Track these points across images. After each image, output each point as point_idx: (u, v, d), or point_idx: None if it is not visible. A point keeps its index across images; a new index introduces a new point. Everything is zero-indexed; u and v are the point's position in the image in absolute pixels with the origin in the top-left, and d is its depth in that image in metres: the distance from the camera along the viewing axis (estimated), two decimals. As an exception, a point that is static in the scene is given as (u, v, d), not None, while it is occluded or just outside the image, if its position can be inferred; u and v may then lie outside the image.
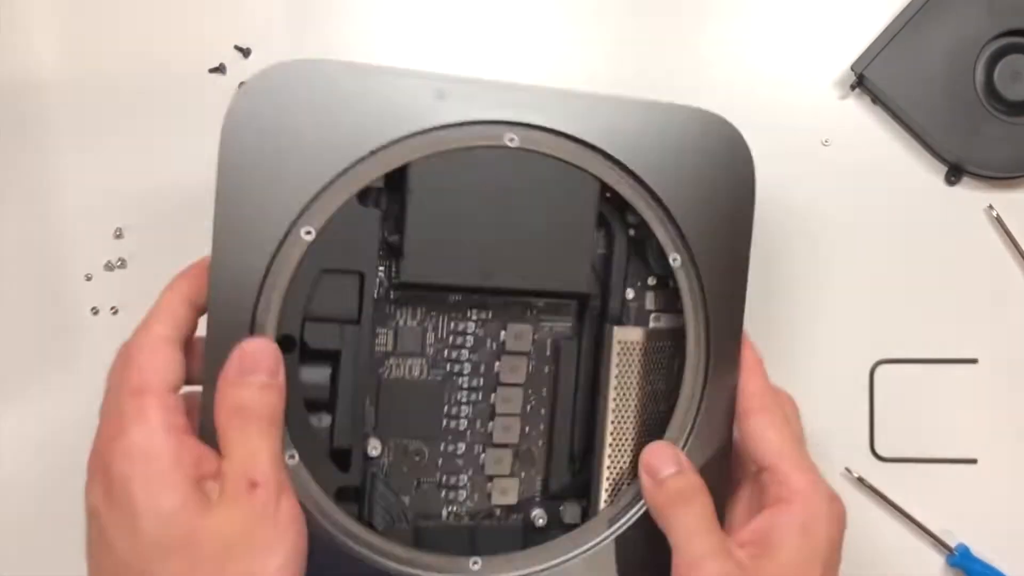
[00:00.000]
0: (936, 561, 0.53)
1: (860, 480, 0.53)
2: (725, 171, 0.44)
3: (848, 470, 0.53)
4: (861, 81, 0.53)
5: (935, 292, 0.53)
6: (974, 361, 0.53)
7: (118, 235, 0.53)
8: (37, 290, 0.52)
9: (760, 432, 0.42)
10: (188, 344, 0.39)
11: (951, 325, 0.53)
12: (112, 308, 0.52)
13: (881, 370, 0.53)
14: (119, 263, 0.53)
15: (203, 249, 0.52)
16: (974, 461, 0.53)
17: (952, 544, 0.52)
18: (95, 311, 0.52)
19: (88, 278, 0.53)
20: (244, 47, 0.53)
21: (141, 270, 0.53)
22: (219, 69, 0.53)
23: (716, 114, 0.45)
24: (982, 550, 0.52)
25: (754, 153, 0.51)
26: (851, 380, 0.53)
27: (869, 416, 0.53)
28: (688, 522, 0.40)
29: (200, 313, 0.40)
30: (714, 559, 0.38)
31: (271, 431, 0.37)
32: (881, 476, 0.53)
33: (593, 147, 0.42)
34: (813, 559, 0.40)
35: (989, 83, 0.52)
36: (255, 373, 0.37)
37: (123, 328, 0.52)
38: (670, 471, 0.41)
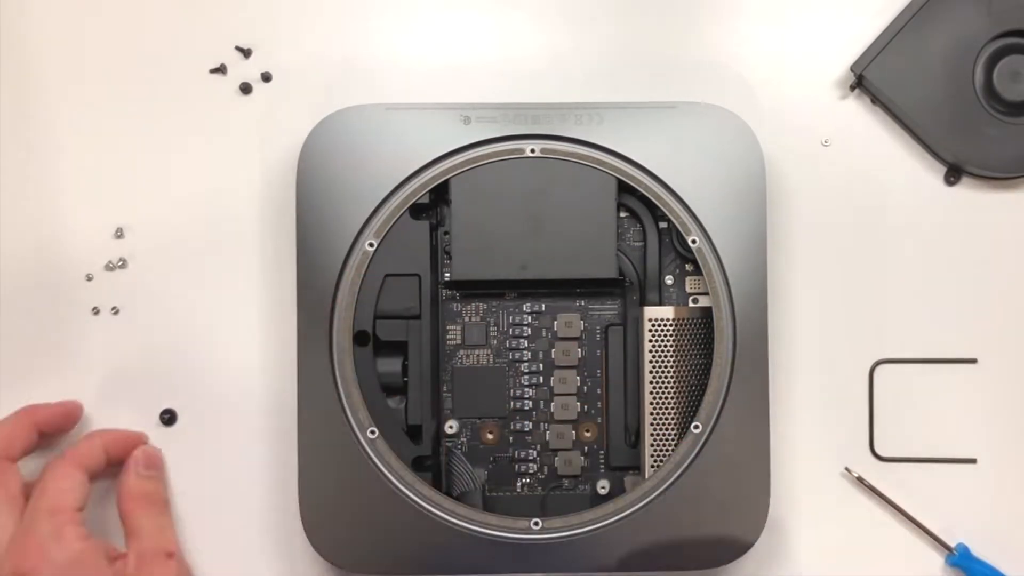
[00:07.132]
0: (936, 561, 0.53)
1: (860, 480, 0.53)
2: (730, 157, 0.49)
3: (848, 470, 0.53)
4: (861, 81, 0.53)
5: (935, 292, 0.53)
6: (974, 361, 0.53)
7: (118, 235, 0.53)
8: (37, 290, 0.52)
9: None
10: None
11: (951, 325, 0.53)
12: (112, 308, 0.52)
13: (881, 370, 0.53)
14: (119, 263, 0.53)
15: (202, 249, 0.52)
16: (974, 461, 0.53)
17: (952, 544, 0.52)
18: (95, 311, 0.52)
19: (88, 278, 0.53)
20: (244, 47, 0.53)
21: (141, 270, 0.53)
22: (219, 69, 0.53)
23: (714, 105, 0.49)
24: (982, 550, 0.52)
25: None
26: (851, 380, 0.53)
27: (869, 416, 0.53)
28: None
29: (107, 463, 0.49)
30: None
31: (169, 512, 0.50)
32: (881, 476, 0.53)
33: (603, 148, 0.49)
34: None
35: (989, 83, 0.52)
36: (156, 468, 0.50)
37: (123, 328, 0.53)
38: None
